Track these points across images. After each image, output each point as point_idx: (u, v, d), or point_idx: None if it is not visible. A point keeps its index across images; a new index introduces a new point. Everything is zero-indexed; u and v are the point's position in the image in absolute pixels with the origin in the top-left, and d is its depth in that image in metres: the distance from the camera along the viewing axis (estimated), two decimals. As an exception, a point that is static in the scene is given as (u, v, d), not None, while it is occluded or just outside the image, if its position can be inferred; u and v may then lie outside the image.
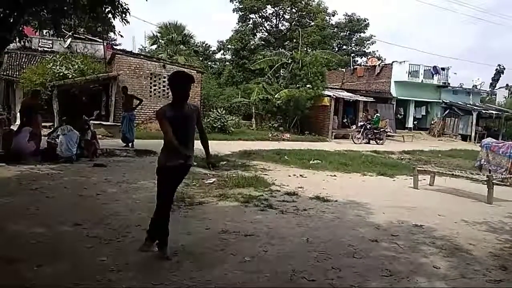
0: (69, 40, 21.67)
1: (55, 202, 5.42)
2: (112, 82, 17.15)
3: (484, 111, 27.16)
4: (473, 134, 25.99)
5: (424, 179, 8.43)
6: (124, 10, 8.60)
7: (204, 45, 40.77)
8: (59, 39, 18.05)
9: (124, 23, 8.75)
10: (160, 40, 30.00)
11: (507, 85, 39.79)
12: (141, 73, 17.89)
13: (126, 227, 4.46)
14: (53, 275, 3.21)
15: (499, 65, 40.69)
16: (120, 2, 8.42)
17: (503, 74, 40.63)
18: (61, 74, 16.24)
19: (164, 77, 18.37)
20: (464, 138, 26.03)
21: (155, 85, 18.21)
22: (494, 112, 27.40)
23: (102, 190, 6.22)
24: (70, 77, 16.21)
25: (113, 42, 30.41)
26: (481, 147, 10.33)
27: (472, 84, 30.83)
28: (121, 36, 13.68)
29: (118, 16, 8.62)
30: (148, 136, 14.68)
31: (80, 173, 7.53)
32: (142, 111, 17.07)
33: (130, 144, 11.55)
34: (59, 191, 6.04)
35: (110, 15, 8.69)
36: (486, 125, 28.14)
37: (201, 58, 35.75)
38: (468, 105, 27.61)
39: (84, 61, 17.65)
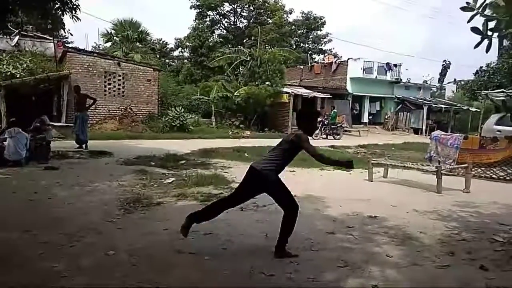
0: (16, 38, 20.44)
1: (3, 208, 5.14)
2: (63, 81, 16.48)
3: (434, 105, 28.54)
4: (424, 127, 27.27)
5: (379, 172, 8.73)
6: (74, 6, 8.27)
7: (161, 42, 39.97)
8: (5, 37, 17.06)
9: (75, 20, 8.42)
10: (114, 38, 29.03)
11: (455, 79, 42.02)
12: (94, 71, 17.30)
13: (79, 231, 4.30)
14: (1, 285, 3.05)
15: (444, 60, 42.89)
16: (70, -2, 8.09)
17: (449, 69, 42.88)
18: (8, 73, 15.36)
19: (119, 75, 17.88)
20: (416, 131, 27.25)
21: (109, 84, 17.67)
22: (443, 106, 28.88)
23: (54, 194, 5.98)
24: (18, 76, 15.36)
25: (64, 39, 29.12)
26: (430, 140, 10.80)
27: (423, 79, 32.33)
28: (71, 34, 13.23)
29: (68, 12, 8.28)
30: (104, 136, 14.24)
31: (30, 177, 7.18)
32: (96, 110, 16.53)
33: (83, 146, 11.17)
34: (7, 196, 5.74)
35: (59, 12, 8.35)
36: (436, 119, 29.58)
37: (158, 56, 35.01)
38: (419, 100, 28.91)
39: (33, 60, 16.78)
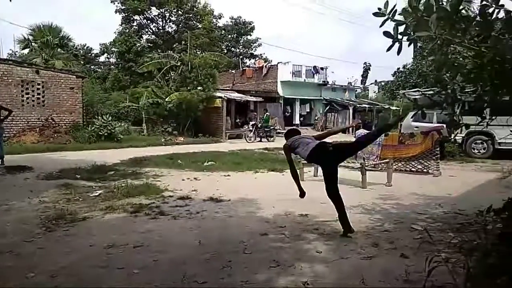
0: None
1: None
2: (-27, 91, 15.02)
3: (358, 106, 30.26)
4: (350, 126, 28.79)
5: (309, 171, 9.03)
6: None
7: (85, 48, 38.05)
8: None
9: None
10: (33, 44, 27.04)
11: (375, 81, 44.99)
12: (10, 80, 15.95)
13: (-7, 255, 3.93)
14: None
15: (365, 63, 45.79)
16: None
17: (370, 71, 45.83)
18: None
19: (38, 84, 16.69)
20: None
21: (27, 93, 16.40)
22: (367, 106, 30.73)
23: (-36, 216, 5.40)
24: None
25: (-26, 46, 26.56)
26: (355, 138, 11.41)
27: (347, 81, 34.21)
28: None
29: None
30: (23, 150, 13.21)
31: None
32: (14, 122, 15.31)
33: (-1, 161, 10.25)
34: None
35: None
36: (361, 118, 31.36)
37: (82, 62, 33.24)
38: (345, 101, 30.48)
39: None
